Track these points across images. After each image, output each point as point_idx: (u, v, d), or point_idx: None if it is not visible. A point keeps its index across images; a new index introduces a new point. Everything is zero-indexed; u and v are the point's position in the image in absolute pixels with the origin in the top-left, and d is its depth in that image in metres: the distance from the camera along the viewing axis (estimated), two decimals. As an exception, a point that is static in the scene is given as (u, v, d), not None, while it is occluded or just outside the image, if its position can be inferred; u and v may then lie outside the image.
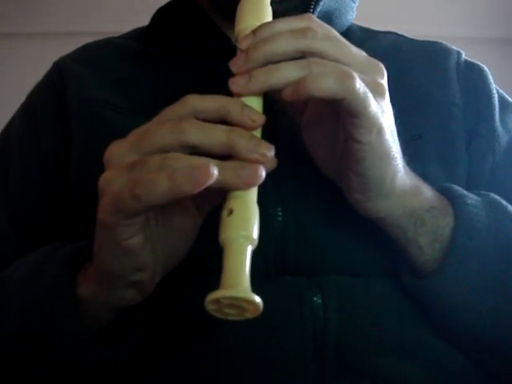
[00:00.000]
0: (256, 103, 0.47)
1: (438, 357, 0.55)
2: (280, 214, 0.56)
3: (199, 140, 0.44)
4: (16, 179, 0.66)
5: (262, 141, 0.45)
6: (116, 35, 0.75)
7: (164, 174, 0.41)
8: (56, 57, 0.72)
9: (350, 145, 0.48)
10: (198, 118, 0.45)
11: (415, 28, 1.24)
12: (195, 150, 0.44)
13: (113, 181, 0.44)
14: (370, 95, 0.45)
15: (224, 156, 0.45)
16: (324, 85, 0.44)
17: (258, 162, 0.44)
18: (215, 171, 0.41)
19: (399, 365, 0.53)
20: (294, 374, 0.51)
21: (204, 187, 0.40)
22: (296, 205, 0.57)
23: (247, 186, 0.43)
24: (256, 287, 0.41)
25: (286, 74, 0.45)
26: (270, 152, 0.45)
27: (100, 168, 0.45)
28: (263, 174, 0.43)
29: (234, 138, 0.44)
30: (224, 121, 0.45)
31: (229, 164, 0.43)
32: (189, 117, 0.45)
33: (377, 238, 0.54)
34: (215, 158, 0.44)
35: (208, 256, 0.48)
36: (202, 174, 0.40)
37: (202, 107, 0.45)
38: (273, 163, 0.45)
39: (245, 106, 0.45)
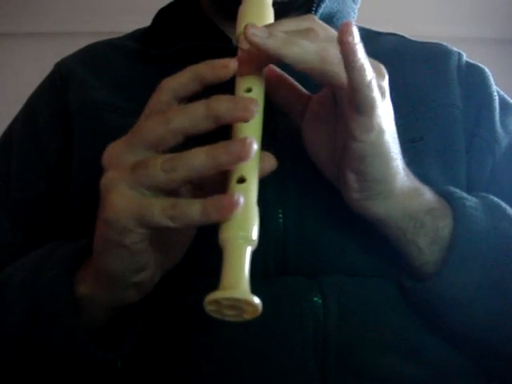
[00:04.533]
0: (257, 86, 0.47)
1: (438, 357, 0.55)
2: (281, 215, 0.56)
3: (185, 123, 0.43)
4: (17, 180, 0.66)
5: (243, 98, 0.45)
6: (116, 35, 0.75)
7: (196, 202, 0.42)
8: (56, 57, 0.73)
9: (350, 143, 0.48)
10: (180, 99, 0.46)
11: (415, 28, 1.24)
12: (187, 136, 0.44)
13: (119, 183, 0.44)
14: (378, 95, 0.46)
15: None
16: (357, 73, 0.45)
17: (245, 119, 0.44)
18: None
19: (400, 365, 0.53)
20: (294, 375, 0.51)
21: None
22: (296, 206, 0.57)
23: (237, 161, 0.42)
24: (256, 288, 0.41)
25: (305, 47, 0.46)
26: (255, 106, 0.44)
27: (101, 169, 0.45)
28: (254, 146, 0.42)
29: (213, 105, 0.43)
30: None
31: (217, 144, 0.43)
32: (171, 102, 0.45)
33: (377, 240, 0.54)
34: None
35: (207, 257, 0.48)
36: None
37: (177, 84, 0.45)
38: (272, 163, 0.46)
39: (214, 65, 0.45)
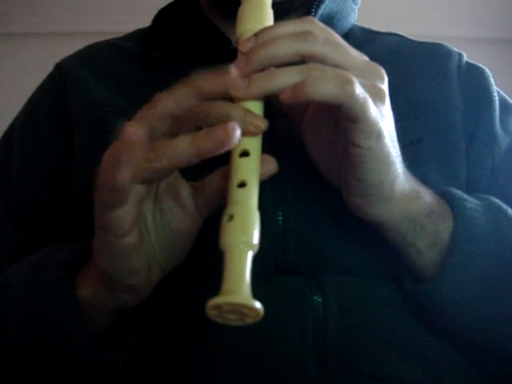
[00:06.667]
0: (256, 107, 0.47)
1: (437, 357, 0.55)
2: (280, 218, 0.56)
3: (173, 109, 0.44)
4: (18, 181, 0.66)
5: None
6: (116, 35, 0.75)
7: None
8: (56, 57, 0.72)
9: (349, 149, 0.47)
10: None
11: (415, 28, 1.24)
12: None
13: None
14: (369, 100, 0.45)
15: None
16: (323, 89, 0.44)
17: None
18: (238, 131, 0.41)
19: (399, 364, 0.53)
20: (294, 374, 0.51)
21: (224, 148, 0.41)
22: (296, 208, 0.57)
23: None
24: (256, 287, 0.41)
25: (284, 80, 0.45)
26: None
27: None
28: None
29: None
30: None
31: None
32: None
33: (376, 241, 0.54)
34: None
35: (209, 258, 0.48)
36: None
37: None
38: (273, 166, 0.46)
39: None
